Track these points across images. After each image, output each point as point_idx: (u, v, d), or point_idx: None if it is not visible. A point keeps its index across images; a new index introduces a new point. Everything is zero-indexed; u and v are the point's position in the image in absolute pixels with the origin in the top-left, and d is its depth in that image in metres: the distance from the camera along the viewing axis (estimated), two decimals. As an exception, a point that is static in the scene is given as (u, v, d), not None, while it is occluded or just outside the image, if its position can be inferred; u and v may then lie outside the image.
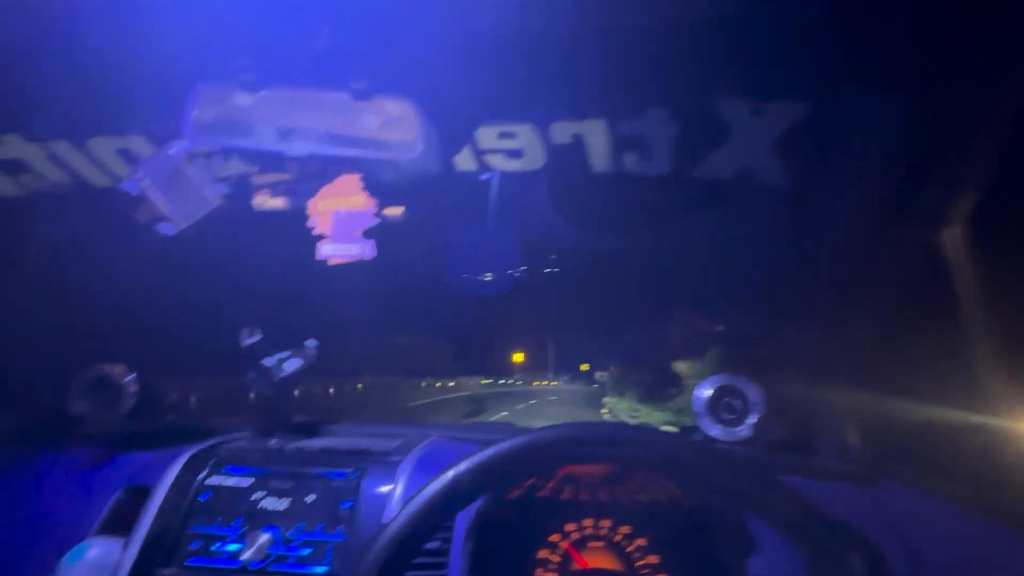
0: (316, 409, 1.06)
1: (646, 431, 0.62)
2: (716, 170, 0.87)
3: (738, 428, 1.07)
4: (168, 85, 0.75)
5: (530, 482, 0.91)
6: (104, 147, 0.90)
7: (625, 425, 0.54)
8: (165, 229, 0.72)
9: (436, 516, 0.53)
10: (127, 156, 0.90)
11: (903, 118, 0.74)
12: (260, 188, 0.78)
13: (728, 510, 0.81)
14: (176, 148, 0.69)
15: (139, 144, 0.88)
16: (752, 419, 1.04)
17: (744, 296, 1.16)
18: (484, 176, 1.09)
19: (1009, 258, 0.71)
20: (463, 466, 0.55)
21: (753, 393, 1.07)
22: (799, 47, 0.79)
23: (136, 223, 0.80)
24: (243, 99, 0.70)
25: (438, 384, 7.29)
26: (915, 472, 0.83)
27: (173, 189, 0.69)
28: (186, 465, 0.84)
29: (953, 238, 0.73)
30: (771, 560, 0.74)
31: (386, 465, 0.85)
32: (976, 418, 0.74)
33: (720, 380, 1.11)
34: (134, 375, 1.12)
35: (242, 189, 0.77)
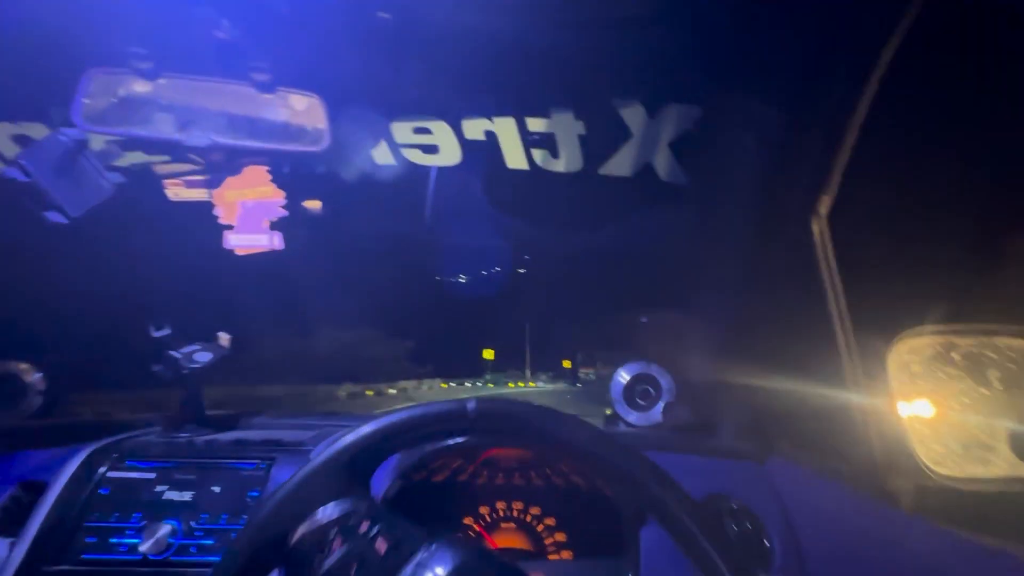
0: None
1: (543, 412, 0.55)
2: (618, 168, 0.93)
3: (650, 413, 1.14)
4: (64, 71, 0.74)
5: (455, 465, 0.94)
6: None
7: (520, 403, 0.54)
8: (56, 217, 0.71)
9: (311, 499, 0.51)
10: (22, 142, 0.87)
11: (774, 127, 0.81)
12: (163, 177, 0.78)
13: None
14: (66, 135, 0.67)
15: (37, 131, 0.86)
16: (660, 405, 1.10)
17: (658, 289, 1.23)
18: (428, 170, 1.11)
19: (867, 252, 0.79)
20: (335, 445, 0.52)
21: (664, 380, 1.14)
22: (687, 58, 0.85)
23: (35, 213, 0.78)
24: (138, 87, 0.69)
25: (369, 392, 5.20)
26: (797, 449, 0.91)
27: (63, 177, 0.67)
28: (86, 460, 0.82)
29: (821, 233, 0.80)
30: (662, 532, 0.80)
31: (297, 455, 0.86)
32: (843, 399, 0.81)
33: (637, 368, 1.17)
34: (41, 374, 1.08)
35: (143, 178, 0.76)
